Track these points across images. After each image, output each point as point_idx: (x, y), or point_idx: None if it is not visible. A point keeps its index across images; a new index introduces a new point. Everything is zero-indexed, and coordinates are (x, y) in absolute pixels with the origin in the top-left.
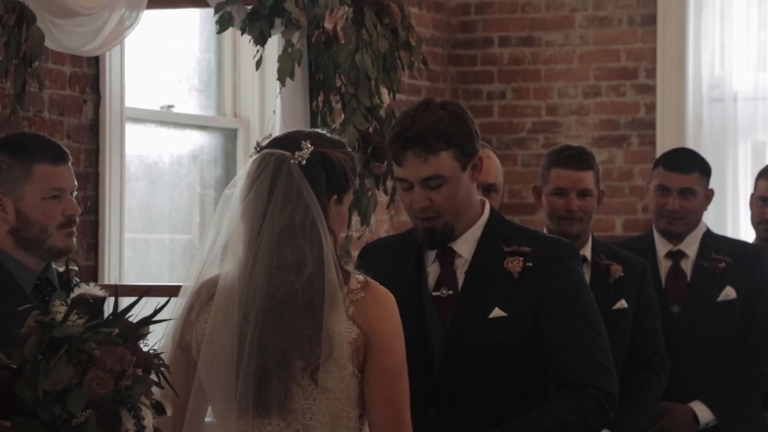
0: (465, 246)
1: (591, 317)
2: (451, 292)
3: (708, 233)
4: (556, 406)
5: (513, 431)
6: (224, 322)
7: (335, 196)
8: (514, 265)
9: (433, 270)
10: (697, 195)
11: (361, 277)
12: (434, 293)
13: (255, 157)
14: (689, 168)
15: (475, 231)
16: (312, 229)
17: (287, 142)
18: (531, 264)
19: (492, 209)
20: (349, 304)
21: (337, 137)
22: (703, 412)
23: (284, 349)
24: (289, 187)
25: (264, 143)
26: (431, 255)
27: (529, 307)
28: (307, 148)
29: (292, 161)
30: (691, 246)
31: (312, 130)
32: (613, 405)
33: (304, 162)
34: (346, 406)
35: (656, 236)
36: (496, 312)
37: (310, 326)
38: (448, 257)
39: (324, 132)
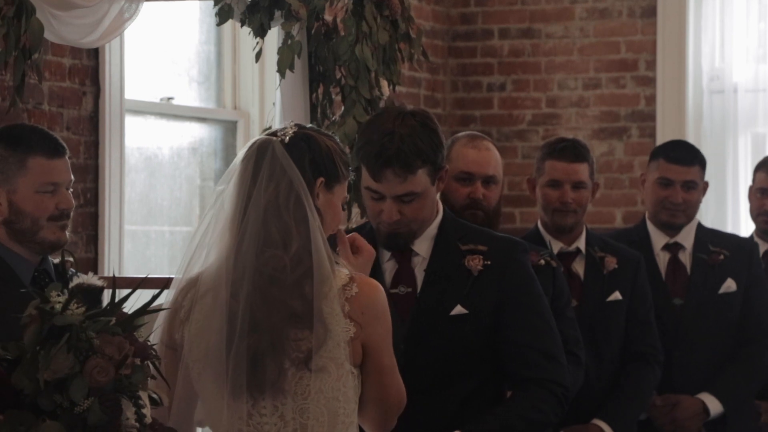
0: (422, 245)
1: (546, 314)
2: (409, 289)
3: (700, 226)
4: (519, 403)
5: (484, 429)
6: (213, 304)
7: (322, 179)
8: (475, 263)
9: (389, 267)
10: (697, 187)
11: (346, 271)
12: (392, 290)
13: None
14: (691, 160)
15: (431, 230)
16: (297, 205)
17: (272, 131)
18: (489, 262)
19: (445, 209)
20: (345, 302)
21: (328, 132)
22: (712, 404)
23: (276, 326)
24: (273, 165)
25: None
26: (386, 252)
27: (488, 304)
28: (291, 129)
29: (274, 139)
30: (687, 238)
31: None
32: (568, 399)
33: (287, 140)
34: (344, 403)
35: (651, 228)
36: (458, 309)
37: (300, 304)
38: (405, 255)
39: (313, 125)
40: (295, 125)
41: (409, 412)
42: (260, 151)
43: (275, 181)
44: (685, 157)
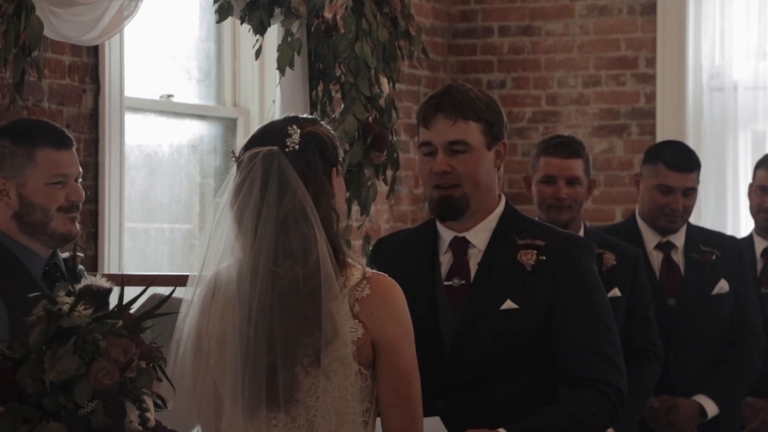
0: (479, 236)
1: (603, 314)
2: (463, 282)
3: (690, 225)
4: (568, 403)
5: (529, 428)
6: (231, 321)
7: (335, 169)
8: (528, 258)
9: (445, 260)
10: (696, 192)
11: (362, 269)
12: (446, 283)
13: (241, 159)
14: (691, 167)
15: (490, 222)
16: (306, 216)
17: (270, 135)
18: (544, 258)
19: (507, 202)
20: (354, 302)
21: (311, 116)
22: (709, 406)
23: (290, 337)
24: (282, 179)
25: (240, 150)
26: (444, 244)
27: (540, 300)
28: (295, 132)
29: (286, 149)
30: (679, 237)
31: (286, 115)
32: (623, 402)
33: (297, 147)
34: (351, 402)
35: (642, 227)
36: (508, 304)
37: (312, 311)
38: (461, 247)
39: (296, 115)
40: (294, 124)
41: (457, 406)
42: (266, 164)
43: (287, 196)
44: (686, 163)
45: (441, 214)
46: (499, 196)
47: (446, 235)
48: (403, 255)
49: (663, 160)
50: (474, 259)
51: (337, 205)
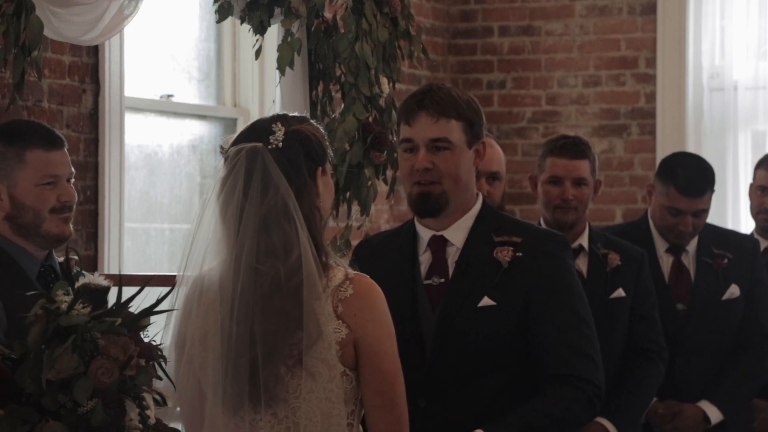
0: (457, 234)
1: (580, 309)
2: (442, 280)
3: (705, 226)
4: (545, 401)
5: (507, 427)
6: (214, 319)
7: (320, 168)
8: (504, 254)
9: (425, 259)
10: (708, 211)
11: (344, 270)
12: (426, 281)
13: (227, 155)
14: (703, 191)
15: (467, 220)
16: (288, 214)
17: (256, 132)
18: (521, 254)
19: (484, 200)
20: (338, 303)
21: (300, 114)
22: (713, 412)
23: (272, 335)
24: (265, 176)
25: (228, 145)
26: (423, 244)
27: (518, 297)
28: (279, 129)
29: (269, 146)
30: (691, 242)
31: (275, 113)
32: (600, 398)
33: (281, 144)
34: (337, 404)
35: (653, 230)
36: (485, 301)
37: (295, 309)
38: (439, 245)
39: (285, 113)
40: (279, 122)
41: (439, 405)
42: (250, 161)
43: (269, 192)
44: (698, 188)
45: (420, 210)
46: (477, 195)
47: (425, 234)
48: (383, 256)
49: (675, 183)
50: (452, 257)
51: (320, 204)
